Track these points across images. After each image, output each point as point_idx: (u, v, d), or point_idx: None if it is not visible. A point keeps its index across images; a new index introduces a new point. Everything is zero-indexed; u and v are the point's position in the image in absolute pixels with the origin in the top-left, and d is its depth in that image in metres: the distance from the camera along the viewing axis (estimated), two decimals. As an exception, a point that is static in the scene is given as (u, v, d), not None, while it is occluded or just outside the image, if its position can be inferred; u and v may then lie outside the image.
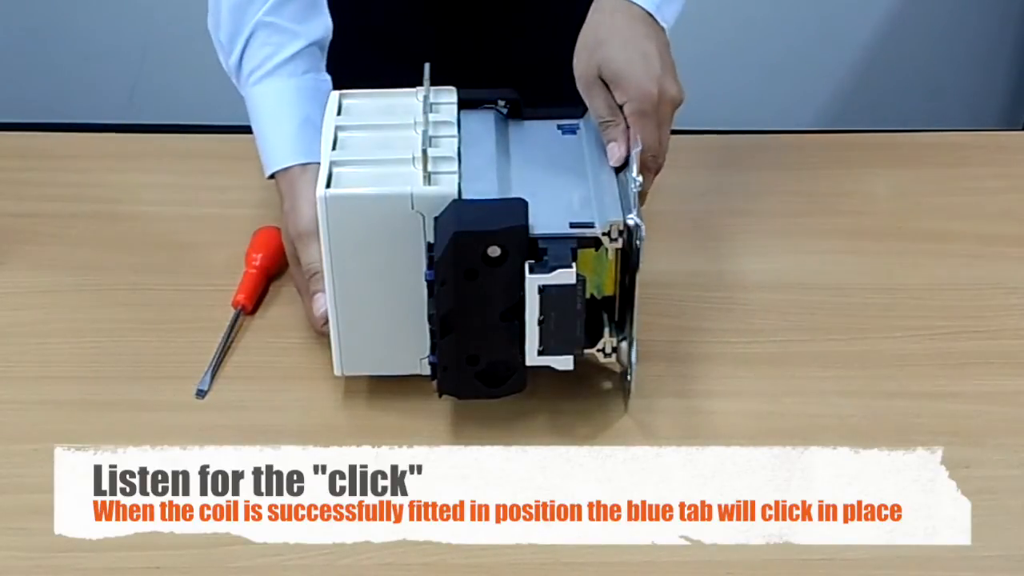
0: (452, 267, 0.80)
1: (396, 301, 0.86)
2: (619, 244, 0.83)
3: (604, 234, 0.83)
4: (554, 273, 0.81)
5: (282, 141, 0.96)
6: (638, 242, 0.82)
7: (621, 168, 0.88)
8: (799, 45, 2.41)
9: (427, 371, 0.87)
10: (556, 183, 0.88)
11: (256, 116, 0.99)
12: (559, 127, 0.94)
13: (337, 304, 0.86)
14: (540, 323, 0.82)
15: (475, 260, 0.81)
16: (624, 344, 0.87)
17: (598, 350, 0.87)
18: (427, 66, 0.89)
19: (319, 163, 0.86)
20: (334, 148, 0.87)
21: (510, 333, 0.83)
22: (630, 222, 0.82)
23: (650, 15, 0.90)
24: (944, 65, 2.50)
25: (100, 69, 2.46)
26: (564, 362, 0.85)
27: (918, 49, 2.48)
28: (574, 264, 0.81)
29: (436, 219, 0.82)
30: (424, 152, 0.83)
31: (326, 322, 0.88)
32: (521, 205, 0.81)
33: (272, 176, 0.97)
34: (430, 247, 0.82)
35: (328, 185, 0.83)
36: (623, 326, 0.87)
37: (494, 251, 0.80)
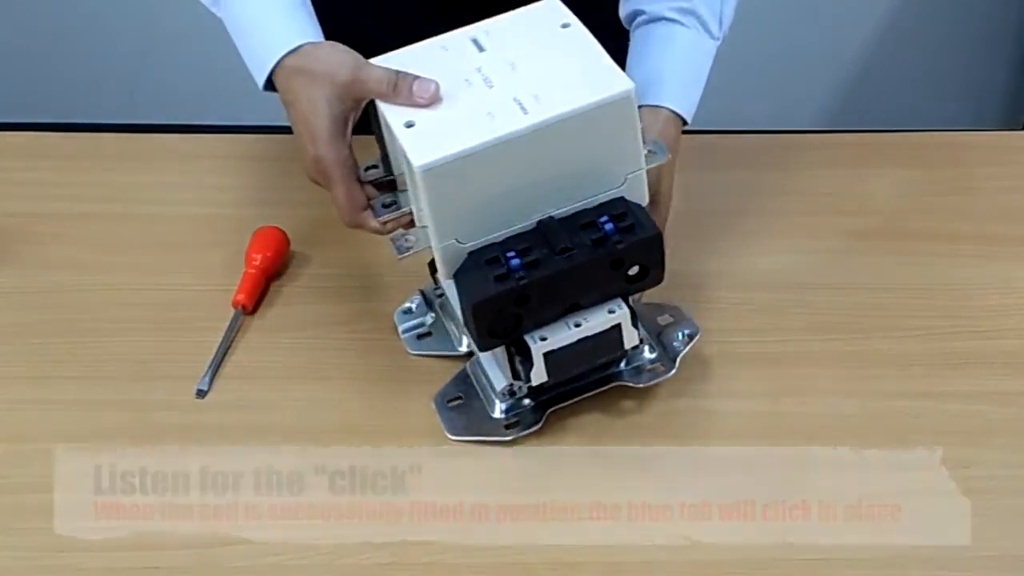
0: (618, 248, 0.81)
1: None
2: None
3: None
4: (634, 332, 0.85)
5: (285, 23, 0.89)
6: None
7: None
8: (799, 45, 2.41)
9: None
10: None
11: (242, 15, 0.92)
12: None
13: None
14: (579, 340, 0.83)
15: (632, 260, 0.82)
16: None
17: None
18: None
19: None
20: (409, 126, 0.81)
21: (555, 318, 0.83)
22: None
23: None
24: (944, 65, 2.50)
25: (100, 69, 2.46)
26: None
27: (918, 49, 2.48)
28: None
29: (638, 209, 0.83)
30: None
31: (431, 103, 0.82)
32: None
33: (273, 72, 0.88)
34: (622, 218, 0.82)
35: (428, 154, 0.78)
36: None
37: (634, 269, 0.83)
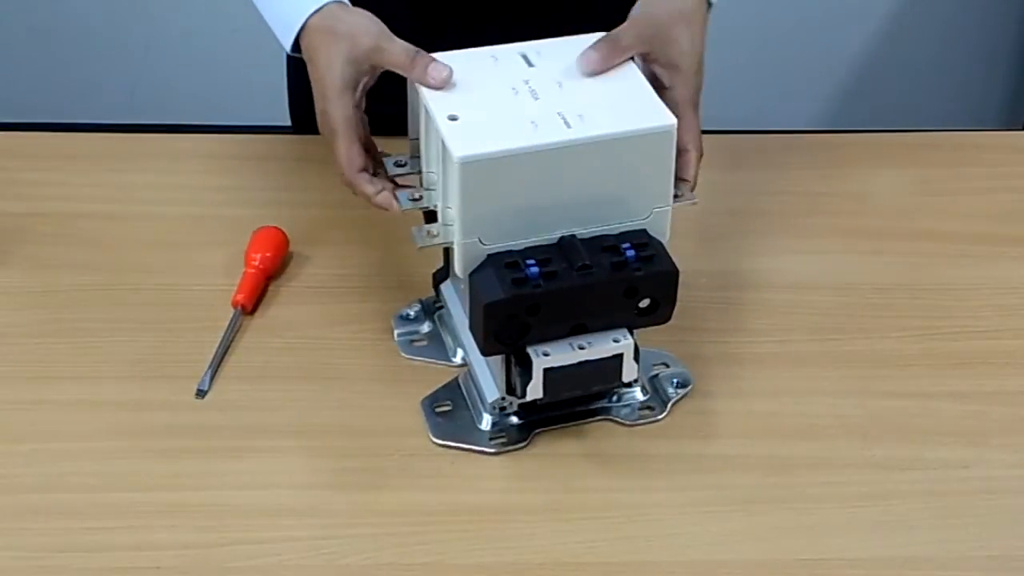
0: (635, 275, 0.82)
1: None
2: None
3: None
4: (635, 365, 0.85)
5: None
6: None
7: None
8: (799, 45, 2.41)
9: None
10: None
11: None
12: None
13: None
14: (580, 362, 0.83)
15: (647, 291, 0.83)
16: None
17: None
18: None
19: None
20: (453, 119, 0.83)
21: (560, 336, 0.83)
22: None
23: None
24: (944, 65, 2.50)
25: (101, 68, 2.46)
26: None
27: (918, 49, 2.48)
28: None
29: (659, 244, 0.84)
30: None
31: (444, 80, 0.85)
32: None
33: (300, 33, 0.91)
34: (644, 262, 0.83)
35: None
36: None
37: (645, 302, 0.83)
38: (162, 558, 0.80)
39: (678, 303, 0.96)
